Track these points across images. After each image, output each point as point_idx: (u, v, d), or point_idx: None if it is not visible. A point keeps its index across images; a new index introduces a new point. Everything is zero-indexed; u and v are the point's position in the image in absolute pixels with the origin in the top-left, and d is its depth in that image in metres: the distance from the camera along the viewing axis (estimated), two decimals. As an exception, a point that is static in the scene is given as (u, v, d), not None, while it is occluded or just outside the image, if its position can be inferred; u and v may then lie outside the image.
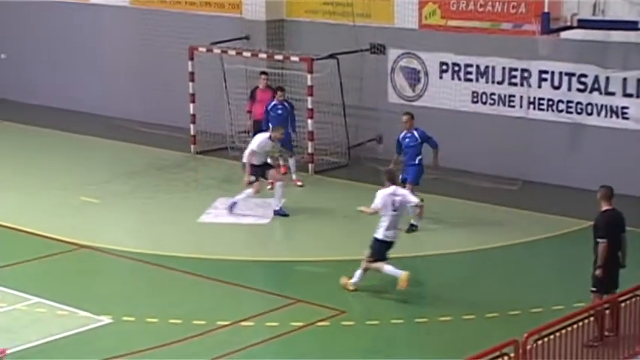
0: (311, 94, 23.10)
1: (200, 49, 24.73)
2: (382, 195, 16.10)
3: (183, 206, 20.85)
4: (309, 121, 23.29)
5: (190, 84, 24.87)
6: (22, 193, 21.80)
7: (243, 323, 14.96)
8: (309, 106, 23.17)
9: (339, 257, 17.88)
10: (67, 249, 18.25)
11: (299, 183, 22.13)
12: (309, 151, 23.36)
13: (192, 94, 24.93)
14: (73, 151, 25.75)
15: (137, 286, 16.91)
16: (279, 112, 22.12)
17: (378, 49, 24.06)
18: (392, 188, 16.21)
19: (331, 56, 23.69)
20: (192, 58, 24.78)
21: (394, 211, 16.05)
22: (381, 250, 16.06)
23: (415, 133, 19.41)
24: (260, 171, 19.87)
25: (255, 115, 23.08)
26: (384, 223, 16.02)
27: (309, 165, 23.28)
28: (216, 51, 24.60)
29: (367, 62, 24.04)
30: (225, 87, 25.27)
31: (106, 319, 15.03)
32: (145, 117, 27.44)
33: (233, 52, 24.45)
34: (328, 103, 23.96)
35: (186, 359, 13.82)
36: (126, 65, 28.34)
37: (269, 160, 20.91)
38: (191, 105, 24.96)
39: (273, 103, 22.22)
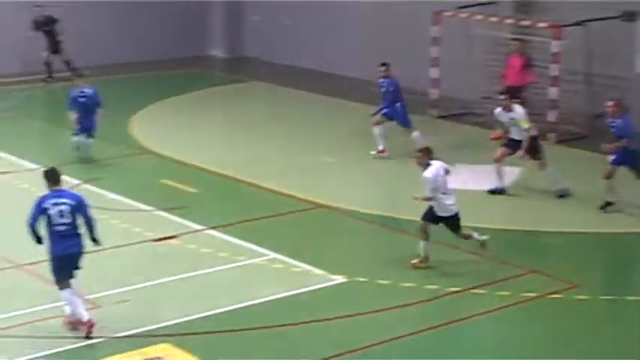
0: (556, 62, 22.63)
1: (445, 13, 24.69)
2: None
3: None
4: (553, 89, 22.85)
5: (434, 48, 24.88)
6: (265, 151, 22.45)
7: (474, 290, 14.94)
8: (554, 74, 22.72)
9: (578, 229, 17.54)
10: (305, 207, 18.68)
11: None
12: (552, 119, 22.93)
13: (436, 58, 24.93)
14: (317, 112, 26.29)
15: (371, 247, 17.13)
16: (383, 88, 21.89)
17: (629, 17, 23.28)
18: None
19: (579, 23, 23.12)
20: (437, 23, 24.77)
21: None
22: None
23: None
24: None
25: (507, 81, 22.83)
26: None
27: (551, 134, 22.85)
28: (462, 15, 24.50)
29: (616, 30, 23.32)
30: (471, 52, 25.10)
31: (339, 278, 15.32)
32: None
33: (479, 17, 24.28)
34: (570, 71, 23.40)
35: (419, 322, 13.93)
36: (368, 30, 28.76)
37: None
38: (433, 69, 24.98)
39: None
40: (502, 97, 19.52)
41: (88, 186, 19.44)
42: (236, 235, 17.06)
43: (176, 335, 13.23)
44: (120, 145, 22.54)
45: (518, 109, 19.30)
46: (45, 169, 13.96)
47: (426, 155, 15.69)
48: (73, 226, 13.32)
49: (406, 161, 21.31)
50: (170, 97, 27.42)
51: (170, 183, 19.97)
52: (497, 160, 19.53)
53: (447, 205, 15.62)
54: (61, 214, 13.21)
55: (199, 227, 17.45)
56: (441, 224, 15.70)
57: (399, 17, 27.75)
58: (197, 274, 15.49)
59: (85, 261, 15.15)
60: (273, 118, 25.51)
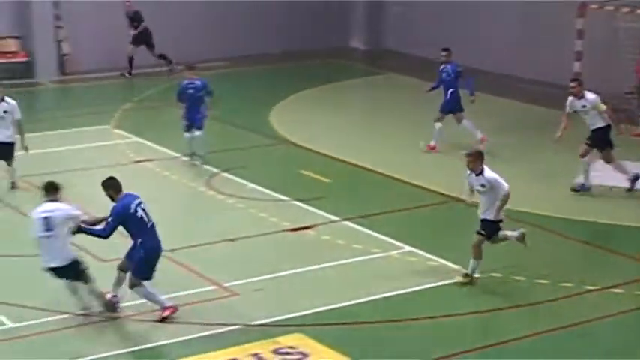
0: None
1: (591, 6, 24.24)
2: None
3: (555, 166, 20.58)
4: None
5: (578, 42, 24.45)
6: (400, 143, 22.44)
7: (611, 290, 14.66)
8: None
9: None
10: (440, 201, 18.60)
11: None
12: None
13: (579, 52, 24.49)
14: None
15: (507, 244, 16.93)
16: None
17: None
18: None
19: None
20: (582, 16, 24.33)
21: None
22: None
23: None
24: None
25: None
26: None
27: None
28: (608, 8, 24.02)
29: None
30: (615, 46, 24.56)
31: (476, 273, 15.15)
32: (521, 72, 27.49)
33: (625, 10, 23.77)
34: None
35: (552, 321, 13.73)
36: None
37: None
38: (576, 63, 24.54)
39: None
40: (573, 84, 19.00)
41: (227, 175, 19.77)
42: (371, 226, 17.11)
43: (309, 325, 13.34)
44: (260, 134, 22.83)
45: (591, 95, 18.88)
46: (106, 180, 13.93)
47: (478, 159, 14.89)
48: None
49: (537, 157, 21.11)
50: (310, 89, 27.64)
51: (306, 173, 20.14)
52: (583, 156, 19.04)
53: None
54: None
55: (334, 218, 17.55)
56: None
57: (542, 11, 27.36)
58: (332, 264, 15.59)
59: (223, 249, 15.51)
60: (408, 110, 25.44)
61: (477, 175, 14.78)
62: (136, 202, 13.46)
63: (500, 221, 14.90)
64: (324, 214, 17.72)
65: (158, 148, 21.69)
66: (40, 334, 13.07)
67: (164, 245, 13.81)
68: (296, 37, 32.10)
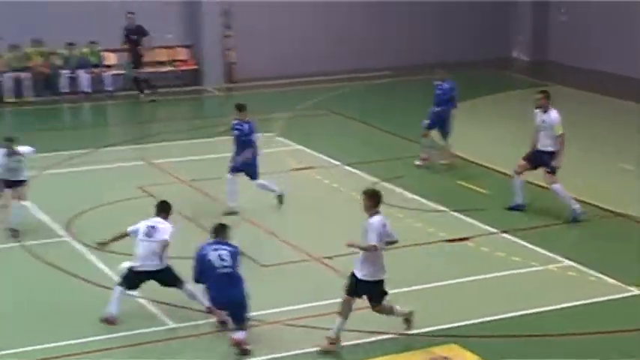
0: None
1: None
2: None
3: None
4: None
5: None
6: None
7: None
8: None
9: None
10: (600, 214, 18.32)
11: None
12: None
13: None
14: (619, 117, 25.66)
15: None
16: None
17: None
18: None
19: None
20: None
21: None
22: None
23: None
24: None
25: None
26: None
27: None
28: None
29: None
30: None
31: (635, 290, 14.94)
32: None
33: None
34: None
35: None
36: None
37: None
38: None
39: None
40: (539, 95, 18.39)
41: (386, 184, 19.88)
42: (528, 239, 16.98)
43: (464, 337, 13.34)
44: (418, 144, 22.86)
45: (554, 113, 18.08)
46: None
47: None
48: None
49: None
50: (470, 99, 27.51)
51: (465, 184, 20.10)
52: (518, 173, 18.41)
53: None
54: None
55: (492, 230, 17.48)
56: None
57: None
58: (490, 276, 15.55)
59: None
60: (571, 122, 25.03)
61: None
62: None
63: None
64: (482, 226, 17.67)
65: (319, 155, 21.99)
66: (202, 335, 13.45)
67: (323, 251, 13.97)
68: (455, 47, 32.04)
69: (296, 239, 16.83)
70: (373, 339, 13.35)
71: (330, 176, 20.52)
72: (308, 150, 22.41)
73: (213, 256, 13.12)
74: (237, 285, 13.09)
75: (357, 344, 13.18)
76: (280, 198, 18.44)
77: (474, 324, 13.80)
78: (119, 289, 13.84)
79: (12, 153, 17.06)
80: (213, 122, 25.88)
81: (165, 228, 13.97)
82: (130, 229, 14.10)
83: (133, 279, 13.86)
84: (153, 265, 13.81)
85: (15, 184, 17.09)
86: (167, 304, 14.14)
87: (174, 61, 29.64)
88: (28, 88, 27.41)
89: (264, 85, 29.58)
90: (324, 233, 17.23)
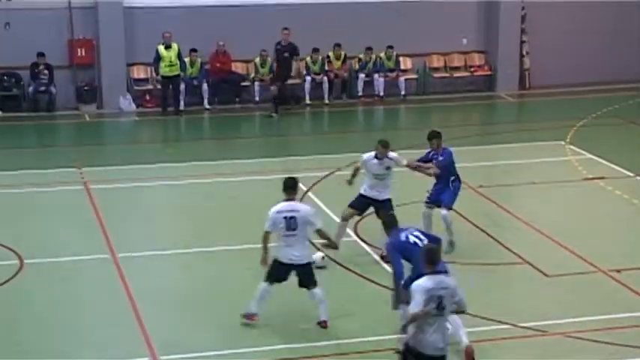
0: None
1: None
2: None
3: None
4: None
5: None
6: None
7: None
8: None
9: None
10: None
11: None
12: None
13: None
14: None
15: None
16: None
17: None
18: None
19: None
20: None
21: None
22: None
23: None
24: None
25: None
26: None
27: None
28: None
29: None
30: None
31: None
32: None
33: None
34: None
35: None
36: None
37: None
38: None
39: None
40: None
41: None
42: None
43: None
44: None
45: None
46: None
47: None
48: None
49: None
50: None
51: None
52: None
53: None
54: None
55: None
56: None
57: None
58: None
59: None
60: None
61: None
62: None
63: None
64: None
65: (612, 166, 21.48)
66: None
67: (612, 264, 13.59)
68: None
69: (581, 249, 16.56)
70: (659, 357, 12.98)
71: (621, 187, 19.98)
72: (600, 159, 21.92)
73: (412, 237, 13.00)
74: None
75: (642, 361, 12.86)
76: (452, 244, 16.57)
77: None
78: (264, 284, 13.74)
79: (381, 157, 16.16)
80: (504, 128, 25.93)
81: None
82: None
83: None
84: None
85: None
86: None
87: (469, 66, 29.73)
88: (326, 90, 28.23)
89: (558, 93, 29.16)
90: (610, 246, 16.87)
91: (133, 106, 27.28)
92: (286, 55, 27.07)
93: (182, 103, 26.92)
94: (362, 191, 16.33)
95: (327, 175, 20.54)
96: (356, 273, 15.69)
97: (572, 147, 23.07)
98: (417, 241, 12.94)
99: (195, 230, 17.87)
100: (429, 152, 16.62)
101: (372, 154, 16.17)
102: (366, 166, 16.27)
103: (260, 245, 13.61)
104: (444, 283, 10.92)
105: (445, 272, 11.77)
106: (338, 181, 18.90)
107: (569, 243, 16.88)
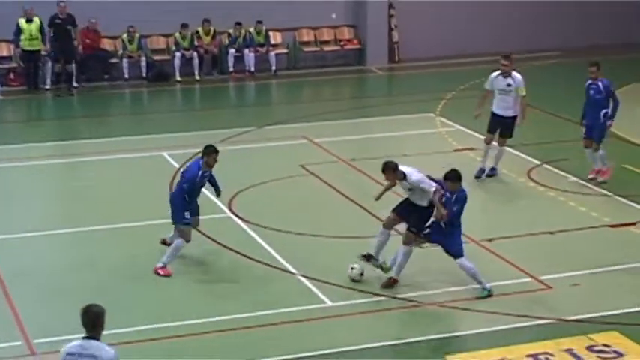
0: None
1: None
2: None
3: None
4: None
5: None
6: None
7: None
8: None
9: None
10: None
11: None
12: None
13: None
14: None
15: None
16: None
17: None
18: None
19: None
20: None
21: None
22: None
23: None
24: None
25: None
26: None
27: None
28: None
29: None
30: None
31: None
32: None
33: None
34: None
35: None
36: None
37: None
38: None
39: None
40: (505, 60, 18.82)
41: (548, 167, 19.59)
42: (697, 226, 16.47)
43: (626, 324, 13.03)
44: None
45: (518, 76, 18.71)
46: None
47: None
48: None
49: None
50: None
51: (631, 168, 19.60)
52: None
53: None
54: None
55: (660, 215, 17.03)
56: None
57: None
58: (653, 263, 15.16)
59: (540, 242, 15.42)
60: None
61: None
62: None
63: None
64: (648, 211, 17.25)
65: (481, 137, 21.76)
66: (358, 314, 13.54)
67: (483, 234, 13.83)
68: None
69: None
70: (531, 323, 13.18)
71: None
72: (468, 131, 22.20)
73: None
74: None
75: (516, 328, 13.06)
76: None
77: (637, 311, 13.47)
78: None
79: None
80: (375, 102, 26.08)
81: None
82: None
83: None
84: None
85: None
86: (324, 281, 14.29)
87: (338, 40, 29.76)
88: (196, 66, 27.94)
89: (428, 65, 29.45)
90: (484, 215, 17.15)
91: (-4, 84, 26.59)
92: (68, 27, 26.13)
93: (48, 80, 26.32)
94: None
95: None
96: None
97: (441, 119, 23.33)
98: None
99: (65, 211, 17.52)
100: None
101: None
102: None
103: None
104: None
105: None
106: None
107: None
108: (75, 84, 26.63)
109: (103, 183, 18.93)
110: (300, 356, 12.29)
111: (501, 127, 19.15)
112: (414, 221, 14.11)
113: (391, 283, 14.10)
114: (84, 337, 9.00)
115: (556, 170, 19.46)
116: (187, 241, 14.65)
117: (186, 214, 14.59)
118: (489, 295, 13.79)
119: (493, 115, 19.20)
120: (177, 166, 19.22)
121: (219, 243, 15.73)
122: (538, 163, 19.84)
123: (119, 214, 16.81)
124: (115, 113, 25.46)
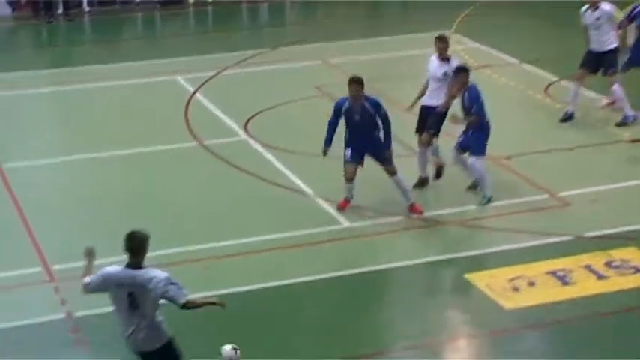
0: None
1: None
2: None
3: None
4: None
5: None
6: None
7: None
8: None
9: None
10: None
11: None
12: None
13: None
14: None
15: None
16: None
17: None
18: None
19: None
20: None
21: None
22: None
23: None
24: None
25: None
26: None
27: None
28: None
29: None
30: None
31: None
32: None
33: None
34: None
35: None
36: None
37: None
38: None
39: None
40: None
41: (565, 82, 19.41)
42: None
43: (644, 239, 13.01)
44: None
45: (606, 7, 17.14)
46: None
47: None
48: None
49: None
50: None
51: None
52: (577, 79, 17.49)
53: None
54: None
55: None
56: None
57: None
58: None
59: (558, 158, 15.32)
60: None
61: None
62: None
63: None
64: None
65: (497, 54, 21.59)
66: (377, 235, 13.54)
67: (501, 152, 13.74)
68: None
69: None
70: (549, 240, 13.15)
71: (507, 75, 20.10)
72: (485, 47, 21.97)
73: None
74: None
75: (535, 245, 13.03)
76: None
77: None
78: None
79: None
80: (390, 20, 25.82)
81: None
82: None
83: None
84: None
85: None
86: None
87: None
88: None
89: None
90: (497, 133, 17.06)
91: (9, 10, 26.37)
92: None
93: (60, 5, 26.13)
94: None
95: (211, 77, 20.22)
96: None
97: (457, 36, 23.08)
98: None
99: (80, 137, 17.46)
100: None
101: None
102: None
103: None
104: None
105: None
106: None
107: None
108: (87, 9, 26.45)
109: (118, 108, 18.85)
110: (326, 276, 12.34)
111: (600, 64, 17.42)
112: (430, 124, 14.65)
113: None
114: (127, 265, 8.88)
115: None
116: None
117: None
118: (489, 202, 14.04)
119: (589, 52, 17.57)
120: (192, 89, 19.11)
121: (235, 166, 15.68)
122: (555, 79, 19.64)
123: (135, 139, 16.74)
124: (127, 38, 25.31)
